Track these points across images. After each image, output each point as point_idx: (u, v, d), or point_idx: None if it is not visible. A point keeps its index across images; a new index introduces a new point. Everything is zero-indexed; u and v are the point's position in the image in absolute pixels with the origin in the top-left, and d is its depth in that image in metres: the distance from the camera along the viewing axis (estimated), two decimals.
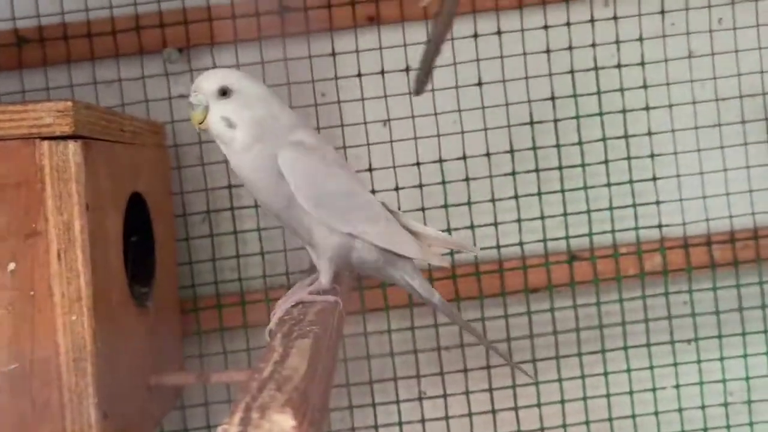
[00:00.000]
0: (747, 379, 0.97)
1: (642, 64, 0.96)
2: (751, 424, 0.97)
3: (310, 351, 0.51)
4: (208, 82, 0.62)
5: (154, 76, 0.94)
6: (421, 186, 0.95)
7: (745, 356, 0.96)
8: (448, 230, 0.95)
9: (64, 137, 0.61)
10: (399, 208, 0.95)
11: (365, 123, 0.95)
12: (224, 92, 0.62)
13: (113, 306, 0.66)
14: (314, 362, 0.49)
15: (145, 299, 0.77)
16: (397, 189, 0.95)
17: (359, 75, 0.95)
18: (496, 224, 0.96)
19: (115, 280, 0.67)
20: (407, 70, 0.95)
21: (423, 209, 0.95)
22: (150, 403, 0.74)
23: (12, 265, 0.61)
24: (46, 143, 0.61)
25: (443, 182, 0.96)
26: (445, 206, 0.96)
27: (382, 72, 0.95)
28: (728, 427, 0.96)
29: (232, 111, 0.62)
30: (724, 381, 0.97)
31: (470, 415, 0.96)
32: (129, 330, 0.70)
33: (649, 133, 0.96)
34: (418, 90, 0.76)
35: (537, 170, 0.96)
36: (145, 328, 0.74)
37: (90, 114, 0.63)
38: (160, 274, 0.80)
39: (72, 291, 0.61)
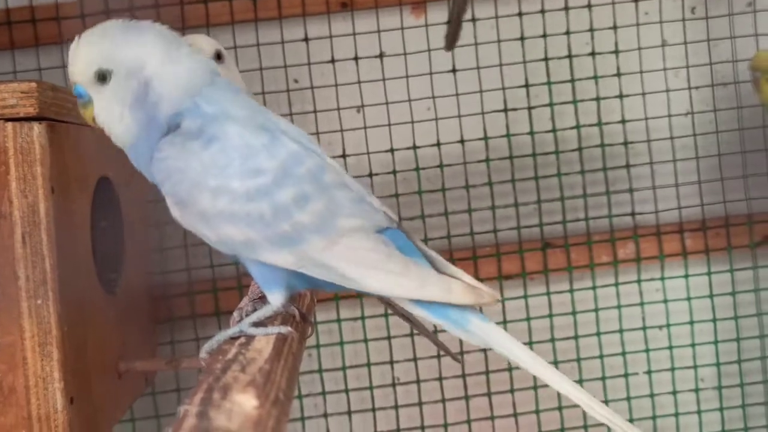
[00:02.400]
0: (718, 365, 0.98)
1: (616, 52, 0.96)
2: (721, 409, 0.97)
3: (276, 335, 0.50)
4: (207, 45, 0.56)
5: None
6: (394, 173, 0.95)
7: (715, 343, 0.97)
8: (422, 217, 0.95)
9: (29, 119, 0.60)
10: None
11: (339, 109, 0.94)
12: (219, 57, 0.58)
13: (80, 291, 0.65)
14: (280, 345, 0.49)
15: (114, 285, 0.76)
16: (370, 175, 0.95)
17: (332, 61, 0.94)
18: (469, 211, 0.96)
19: (82, 264, 0.67)
20: (381, 56, 0.95)
21: (397, 195, 0.95)
22: (119, 389, 0.73)
23: None
24: (10, 125, 0.59)
25: (417, 169, 0.95)
26: (419, 193, 0.95)
27: (356, 58, 0.94)
28: (699, 412, 0.97)
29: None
30: (695, 367, 0.97)
31: (443, 401, 0.96)
32: (97, 315, 0.69)
33: (623, 121, 0.96)
34: (450, 45, 0.75)
35: (511, 157, 0.96)
36: (114, 313, 0.74)
37: (55, 96, 0.63)
38: (129, 260, 0.80)
39: (37, 274, 0.60)
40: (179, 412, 0.38)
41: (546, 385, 0.97)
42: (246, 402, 0.39)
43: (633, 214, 0.97)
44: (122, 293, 0.77)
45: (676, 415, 0.97)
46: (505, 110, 0.95)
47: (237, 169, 0.47)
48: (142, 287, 0.85)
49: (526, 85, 0.95)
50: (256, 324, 0.51)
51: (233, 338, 0.50)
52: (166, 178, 0.48)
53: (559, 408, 0.96)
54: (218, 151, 0.47)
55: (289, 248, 0.48)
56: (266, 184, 0.47)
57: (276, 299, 0.50)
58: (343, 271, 0.48)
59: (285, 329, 0.50)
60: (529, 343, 0.96)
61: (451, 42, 0.74)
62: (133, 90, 0.49)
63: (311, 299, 0.63)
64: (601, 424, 0.95)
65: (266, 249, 0.48)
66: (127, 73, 0.49)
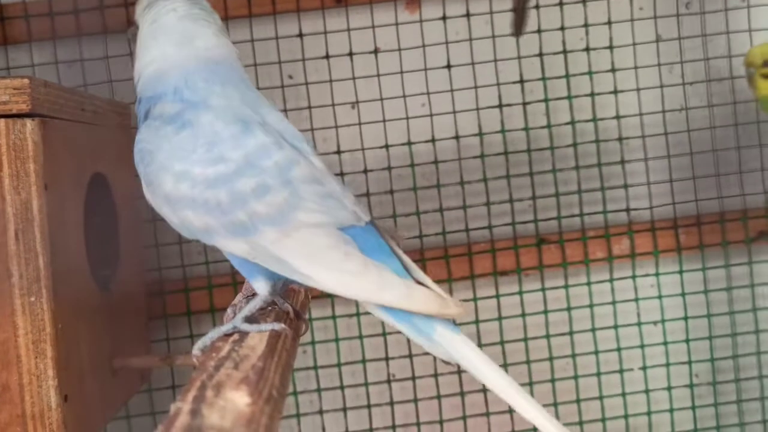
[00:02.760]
0: (712, 360, 0.98)
1: (611, 47, 0.96)
2: (716, 404, 0.98)
3: (269, 332, 0.50)
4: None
5: (118, 57, 0.93)
6: (389, 168, 0.95)
7: (710, 338, 0.97)
8: (417, 213, 0.95)
9: (22, 115, 0.59)
10: (367, 191, 0.94)
11: (333, 105, 0.94)
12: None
13: (74, 288, 0.65)
14: (273, 342, 0.49)
15: (108, 282, 0.76)
16: (365, 171, 0.95)
17: (327, 57, 0.94)
18: (464, 207, 0.96)
19: (76, 261, 0.67)
20: (375, 52, 0.94)
21: (392, 192, 0.95)
22: (114, 386, 0.73)
23: None
24: (2, 121, 0.59)
25: (412, 165, 0.95)
26: (414, 189, 0.95)
27: (350, 54, 0.94)
28: (694, 408, 0.97)
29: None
30: (690, 363, 0.97)
31: (439, 397, 0.96)
32: (91, 312, 0.69)
33: (618, 117, 0.96)
34: (517, 31, 0.75)
35: (506, 153, 0.96)
36: (108, 310, 0.74)
37: (48, 92, 0.62)
38: (124, 256, 0.79)
39: (30, 271, 0.60)
40: (171, 410, 0.37)
41: (543, 381, 0.97)
42: (239, 399, 0.39)
43: (628, 210, 0.97)
44: (116, 290, 0.76)
45: (671, 410, 0.97)
46: (500, 106, 0.95)
47: (201, 156, 0.48)
48: (136, 284, 0.85)
49: (521, 81, 0.95)
50: (249, 319, 0.50)
51: (227, 335, 0.50)
52: (140, 160, 0.50)
53: (554, 404, 0.96)
54: (187, 137, 0.48)
55: (243, 237, 0.48)
56: (226, 173, 0.48)
57: (261, 287, 0.51)
58: (296, 266, 0.47)
59: (278, 326, 0.50)
60: (524, 339, 0.96)
61: (518, 28, 0.74)
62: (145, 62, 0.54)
63: (305, 296, 0.63)
64: (598, 420, 0.95)
65: (222, 236, 0.48)
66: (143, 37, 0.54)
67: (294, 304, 0.57)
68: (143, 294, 0.88)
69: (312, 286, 0.49)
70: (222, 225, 0.48)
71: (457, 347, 0.48)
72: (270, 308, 0.54)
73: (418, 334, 0.49)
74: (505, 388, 0.48)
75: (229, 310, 0.54)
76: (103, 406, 0.71)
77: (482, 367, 0.48)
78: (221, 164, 0.48)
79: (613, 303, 0.97)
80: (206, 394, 0.39)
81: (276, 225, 0.47)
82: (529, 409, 0.48)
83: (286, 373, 0.48)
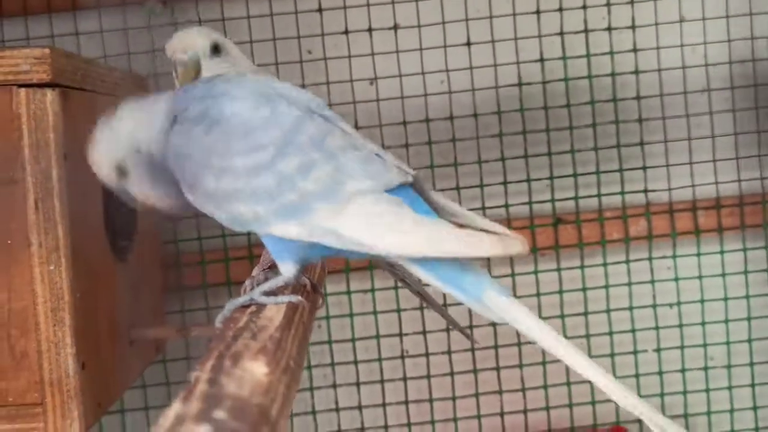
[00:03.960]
0: (728, 343, 0.97)
1: (633, 27, 0.95)
2: (730, 388, 0.97)
3: (286, 304, 0.50)
4: (201, 39, 0.61)
5: (136, 29, 0.92)
6: (407, 146, 0.95)
7: (726, 321, 0.97)
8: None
9: (42, 85, 0.60)
10: None
11: (351, 81, 0.94)
12: (217, 49, 0.61)
13: (92, 257, 0.65)
14: (290, 313, 0.49)
15: (125, 253, 0.76)
16: (383, 148, 0.94)
17: (346, 32, 0.93)
18: (481, 186, 0.95)
19: (94, 231, 0.67)
20: (395, 28, 0.94)
21: None
22: (130, 356, 0.74)
23: None
24: (23, 91, 0.60)
25: (429, 143, 0.95)
26: (431, 167, 0.95)
27: (370, 30, 0.93)
28: (708, 390, 0.97)
29: (226, 69, 0.59)
30: (705, 345, 0.97)
31: (452, 374, 0.96)
32: (109, 282, 0.70)
33: (638, 98, 0.95)
34: None
35: (524, 132, 0.95)
36: (125, 281, 0.74)
37: (68, 62, 0.62)
38: (141, 228, 0.80)
39: (50, 241, 0.60)
40: (190, 379, 0.38)
41: (555, 361, 0.97)
42: (256, 369, 0.39)
43: (646, 191, 0.96)
44: (134, 261, 0.77)
45: (684, 393, 0.97)
46: (519, 84, 0.95)
47: (237, 148, 0.47)
48: (153, 256, 0.85)
49: (541, 60, 0.95)
50: (267, 293, 0.50)
51: (244, 307, 0.51)
52: (179, 166, 0.49)
53: (567, 383, 0.96)
54: (219, 133, 0.48)
55: (297, 219, 0.47)
56: (267, 158, 0.47)
57: (288, 270, 0.50)
58: (355, 237, 0.46)
59: (295, 298, 0.50)
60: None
61: None
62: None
63: (322, 270, 0.63)
64: (609, 400, 0.95)
65: (275, 222, 0.47)
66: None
67: (311, 277, 0.57)
68: (160, 266, 0.88)
69: (368, 253, 0.48)
70: (272, 211, 0.47)
71: (508, 309, 0.48)
72: (303, 280, 0.54)
73: (468, 296, 0.48)
74: (559, 348, 0.47)
75: (247, 283, 0.54)
76: (120, 375, 0.71)
77: (535, 328, 0.48)
78: (260, 151, 0.47)
79: (629, 284, 0.97)
80: (224, 363, 0.39)
81: (328, 200, 0.47)
82: (585, 365, 0.47)
83: (303, 344, 0.48)
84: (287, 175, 0.47)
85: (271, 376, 0.39)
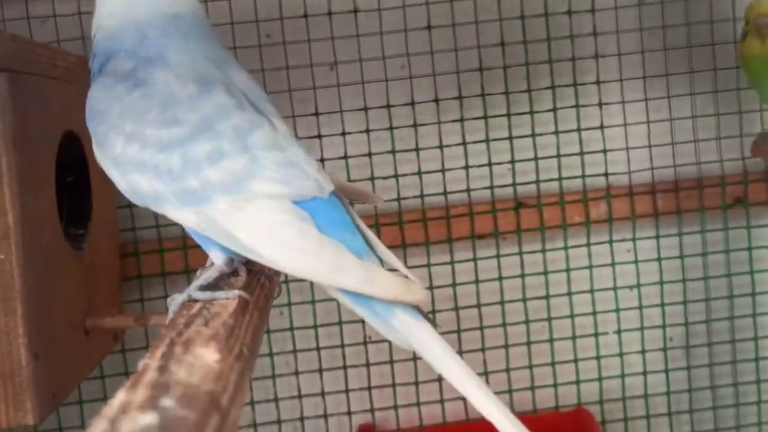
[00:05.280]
0: (686, 325, 0.99)
1: (592, 11, 0.95)
2: (688, 368, 0.99)
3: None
4: None
5: (90, 13, 0.90)
6: (368, 131, 0.94)
7: (685, 303, 0.98)
8: (396, 176, 0.95)
9: None
10: (345, 154, 0.94)
11: (311, 66, 0.93)
12: None
13: (45, 246, 0.64)
14: (245, 300, 0.48)
15: (81, 241, 0.75)
16: (343, 134, 0.94)
17: (305, 16, 0.92)
18: (443, 171, 0.95)
19: (47, 219, 0.66)
20: (355, 11, 0.93)
21: (370, 155, 0.94)
22: (86, 346, 0.73)
23: None
24: None
25: (390, 128, 0.94)
26: (393, 152, 0.95)
27: (329, 13, 0.92)
28: (667, 371, 0.99)
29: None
30: (664, 327, 0.98)
31: (414, 359, 0.96)
32: (63, 271, 0.68)
33: (598, 82, 0.96)
34: None
35: (485, 117, 0.95)
36: (80, 270, 0.73)
37: (17, 46, 0.61)
38: (97, 216, 0.78)
39: None
40: (139, 366, 0.37)
41: (518, 344, 0.98)
42: (207, 355, 0.38)
43: (606, 174, 0.97)
44: (90, 250, 0.76)
45: (644, 373, 0.98)
46: (480, 69, 0.94)
47: (153, 117, 0.45)
48: (110, 244, 0.84)
49: (502, 44, 0.94)
50: (203, 287, 0.48)
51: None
52: (90, 119, 0.47)
53: (530, 367, 0.97)
54: (140, 97, 0.45)
55: (193, 206, 0.45)
56: (180, 136, 0.45)
57: (217, 258, 0.48)
58: (247, 242, 0.44)
59: (231, 293, 0.46)
60: (501, 303, 0.97)
61: None
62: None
63: None
64: (572, 382, 0.95)
65: (172, 204, 0.45)
66: None
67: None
68: (117, 254, 0.87)
69: (264, 264, 0.46)
70: (172, 192, 0.45)
71: (418, 335, 0.45)
72: (242, 271, 0.51)
73: (376, 318, 0.45)
74: (463, 381, 0.45)
75: (198, 272, 0.53)
76: (76, 366, 0.70)
77: (441, 357, 0.45)
78: (175, 126, 0.45)
79: (590, 267, 0.97)
80: (175, 350, 0.39)
81: (229, 194, 0.44)
82: (485, 403, 0.44)
83: (258, 331, 0.47)
84: (195, 158, 0.44)
85: (223, 363, 0.38)
